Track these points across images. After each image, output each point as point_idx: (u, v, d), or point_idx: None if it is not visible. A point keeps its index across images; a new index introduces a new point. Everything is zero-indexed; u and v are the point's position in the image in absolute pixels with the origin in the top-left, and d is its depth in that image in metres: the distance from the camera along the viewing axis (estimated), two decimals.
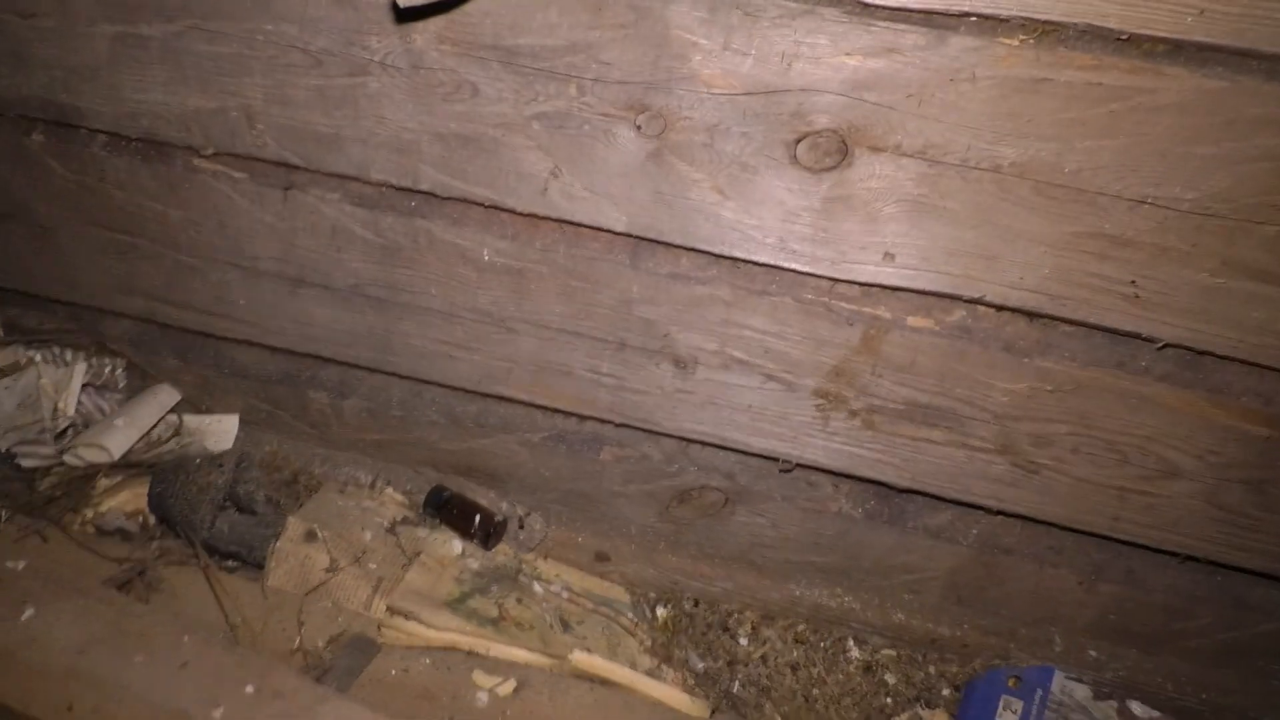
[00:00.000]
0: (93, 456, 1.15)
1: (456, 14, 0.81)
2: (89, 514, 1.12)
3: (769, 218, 0.84)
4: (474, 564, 1.15)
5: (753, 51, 0.77)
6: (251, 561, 1.11)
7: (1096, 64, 0.71)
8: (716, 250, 0.87)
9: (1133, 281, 0.79)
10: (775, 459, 1.02)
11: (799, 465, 1.01)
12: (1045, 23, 0.70)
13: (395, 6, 0.70)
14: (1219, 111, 0.71)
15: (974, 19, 0.72)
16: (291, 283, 1.03)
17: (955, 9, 0.71)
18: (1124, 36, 0.70)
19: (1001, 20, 0.71)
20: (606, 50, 0.80)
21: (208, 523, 1.09)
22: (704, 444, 1.06)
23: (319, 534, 1.10)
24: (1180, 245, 0.77)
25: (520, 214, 0.91)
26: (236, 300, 1.07)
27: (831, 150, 0.80)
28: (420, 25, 0.82)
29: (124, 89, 0.93)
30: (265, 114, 0.91)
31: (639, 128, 0.83)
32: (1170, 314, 0.80)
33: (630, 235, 0.89)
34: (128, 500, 1.14)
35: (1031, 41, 0.72)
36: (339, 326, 1.05)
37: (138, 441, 1.17)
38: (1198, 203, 0.75)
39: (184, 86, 0.91)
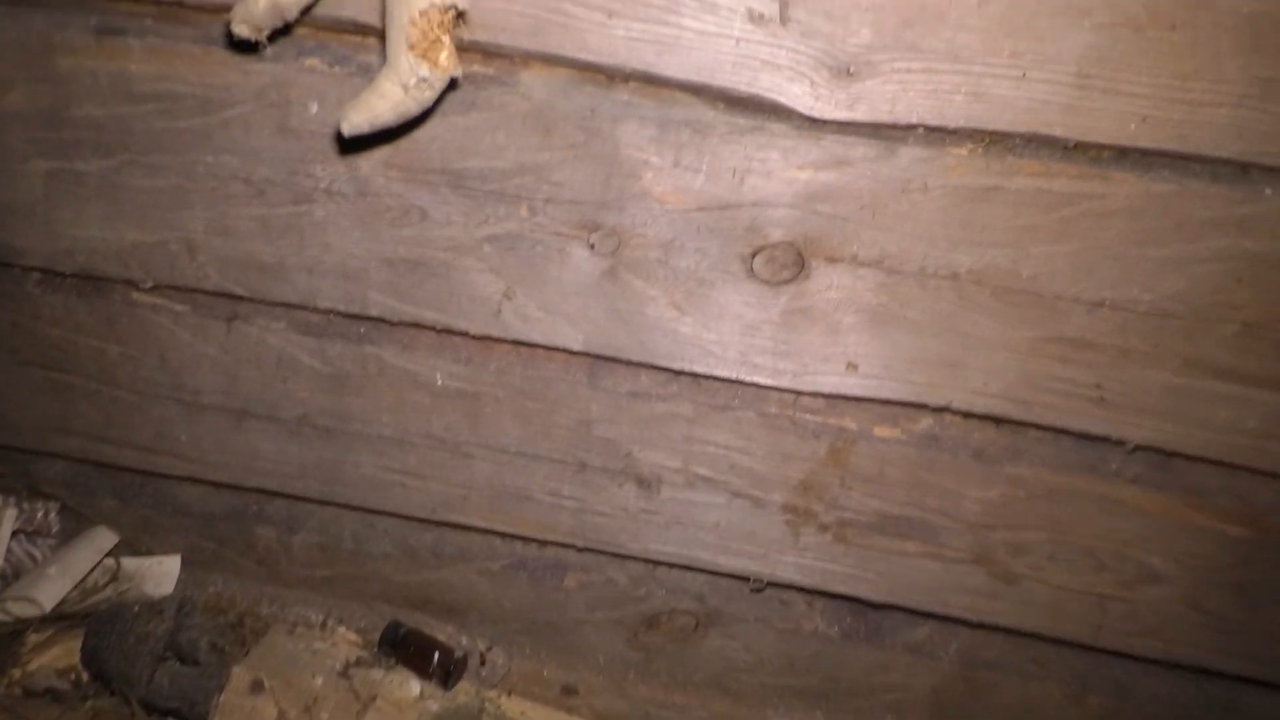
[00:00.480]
0: (21, 611, 1.07)
1: (403, 140, 0.80)
2: (16, 674, 1.04)
3: (728, 332, 0.83)
4: (434, 706, 1.09)
5: (704, 168, 0.77)
6: (194, 718, 1.03)
7: (1045, 171, 0.72)
8: (676, 367, 0.86)
9: (1097, 384, 0.79)
10: (746, 578, 0.98)
11: (771, 584, 0.98)
12: (992, 133, 0.71)
13: (339, 136, 0.69)
14: (1168, 214, 0.71)
15: (922, 130, 0.72)
16: (236, 415, 0.99)
17: (903, 121, 0.72)
18: (1070, 144, 0.70)
19: (949, 131, 0.72)
20: (557, 171, 0.79)
21: (146, 677, 1.02)
22: (671, 566, 1.02)
23: (266, 684, 1.04)
24: (1141, 346, 0.76)
25: (473, 337, 0.89)
26: (178, 436, 1.02)
27: (788, 263, 0.79)
28: (366, 152, 0.81)
29: (59, 225, 0.90)
30: (207, 245, 0.88)
31: (593, 246, 0.82)
32: (1137, 415, 0.79)
33: (588, 354, 0.87)
34: (59, 656, 1.06)
35: (980, 151, 0.72)
36: (287, 458, 1.01)
37: (72, 590, 1.10)
38: (1155, 304, 0.74)
39: (122, 221, 0.89)
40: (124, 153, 0.85)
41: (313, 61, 0.79)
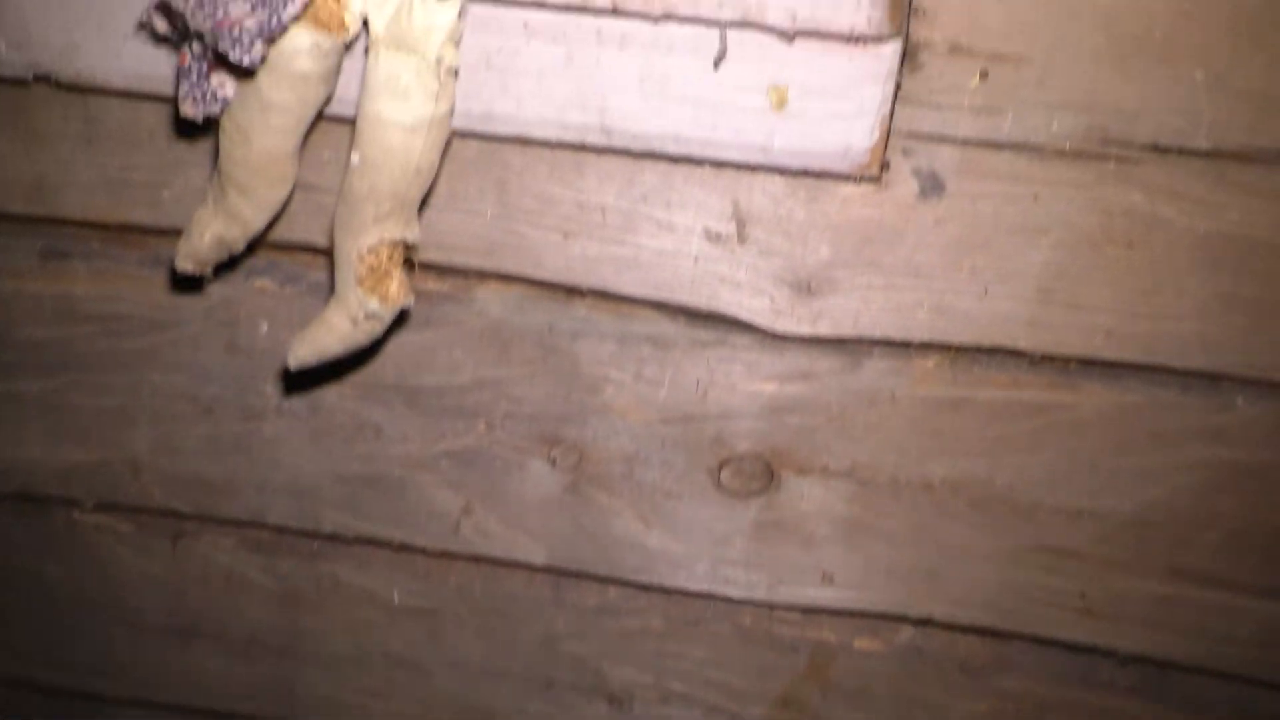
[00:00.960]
0: None
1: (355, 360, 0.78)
2: None
3: (698, 544, 0.80)
4: None
5: (666, 381, 0.75)
6: None
7: (1013, 383, 0.70)
8: (645, 580, 0.82)
9: (1082, 594, 0.76)
10: None
11: None
12: (957, 347, 0.70)
13: (286, 370, 0.67)
14: (1141, 425, 0.70)
15: (886, 344, 0.71)
16: (183, 635, 0.94)
17: (867, 336, 0.71)
18: (1036, 357, 0.69)
19: (914, 345, 0.70)
20: (515, 386, 0.77)
21: None
22: None
23: None
24: (1125, 556, 0.74)
25: (432, 553, 0.85)
26: (121, 657, 0.96)
27: (756, 474, 0.77)
28: (315, 373, 0.79)
29: None
30: (152, 464, 0.85)
31: (554, 460, 0.79)
32: (1126, 625, 0.76)
33: (552, 569, 0.84)
34: None
35: (946, 363, 0.71)
36: (236, 679, 0.95)
37: None
38: (1136, 513, 0.72)
39: (63, 441, 0.85)
40: (66, 373, 0.83)
41: (263, 282, 0.77)
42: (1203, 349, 0.67)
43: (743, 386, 0.74)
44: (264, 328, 0.78)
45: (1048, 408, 0.70)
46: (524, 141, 0.67)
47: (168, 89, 0.66)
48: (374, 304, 0.64)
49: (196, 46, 0.58)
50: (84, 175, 0.74)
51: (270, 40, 0.55)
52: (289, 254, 0.76)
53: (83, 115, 0.72)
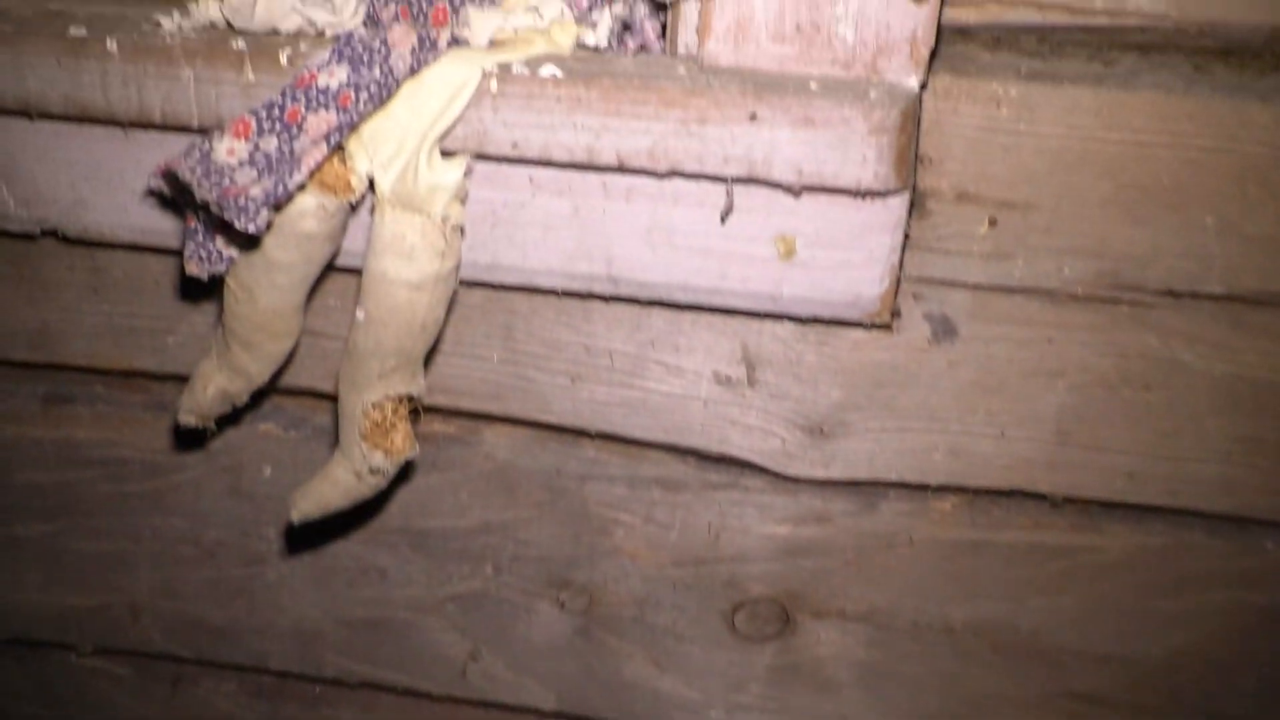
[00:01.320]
0: None
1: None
2: None
3: (712, 690, 0.77)
4: None
5: (677, 524, 0.73)
6: None
7: (1035, 525, 0.69)
8: None
9: None
10: None
11: None
12: (975, 489, 0.68)
13: (289, 524, 0.65)
14: (1168, 568, 0.68)
15: (902, 487, 0.69)
16: None
17: (882, 479, 0.69)
18: (1058, 500, 0.67)
19: (931, 488, 0.69)
20: (523, 529, 0.75)
21: None
22: None
23: None
24: (1156, 701, 0.71)
25: (438, 698, 0.82)
26: None
27: (771, 618, 0.74)
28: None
29: None
30: (151, 608, 0.83)
31: (563, 604, 0.77)
32: None
33: (561, 715, 0.81)
34: None
35: (964, 505, 0.69)
36: None
37: None
38: (1166, 658, 0.70)
39: (61, 585, 0.83)
40: (66, 517, 0.81)
41: (267, 426, 0.76)
42: (1227, 492, 0.65)
43: (756, 529, 0.72)
44: (267, 472, 0.77)
45: (1072, 550, 0.68)
46: (530, 290, 0.67)
47: (174, 242, 0.66)
48: (378, 458, 0.63)
49: (202, 211, 0.58)
50: (89, 322, 0.74)
51: (276, 208, 0.55)
52: (293, 399, 0.75)
53: (89, 265, 0.72)
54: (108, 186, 0.65)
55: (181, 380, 0.69)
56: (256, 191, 0.53)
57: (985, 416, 0.66)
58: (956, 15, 0.58)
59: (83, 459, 0.79)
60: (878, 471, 0.69)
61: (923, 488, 0.69)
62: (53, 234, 0.67)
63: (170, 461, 0.78)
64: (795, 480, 0.70)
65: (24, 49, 0.59)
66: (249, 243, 0.59)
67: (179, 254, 0.63)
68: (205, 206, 0.55)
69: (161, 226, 0.66)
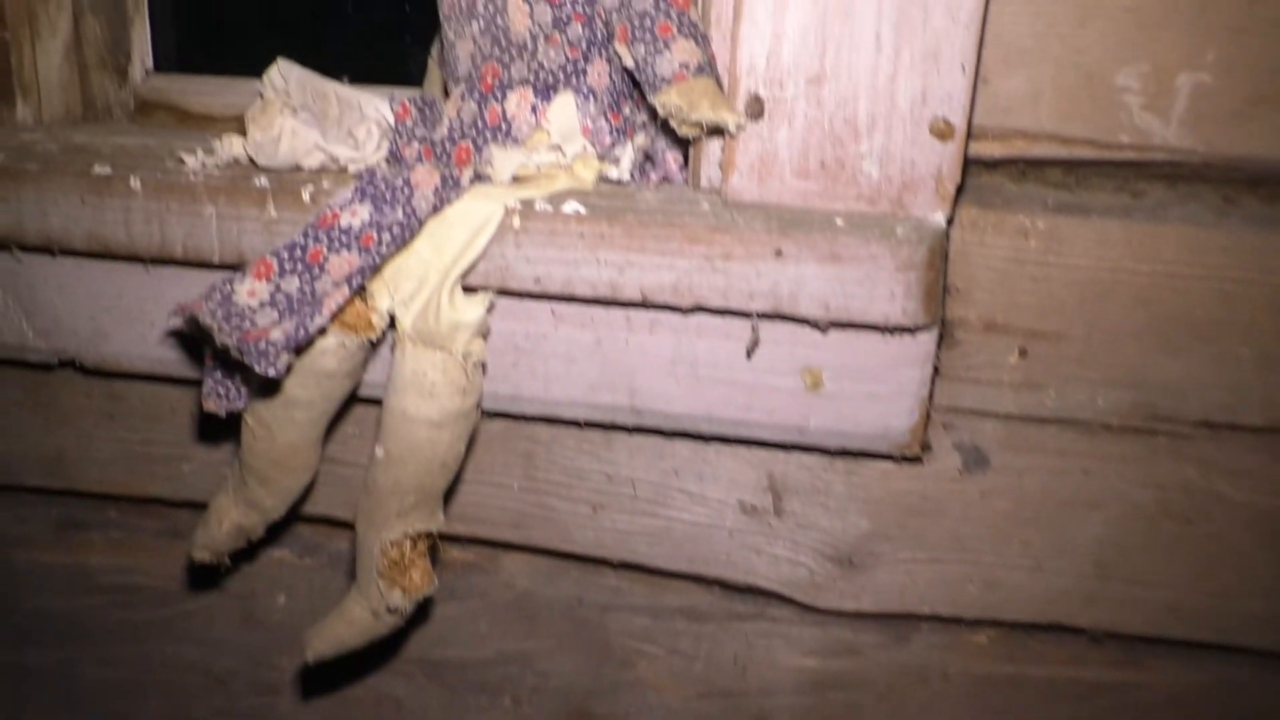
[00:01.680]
0: None
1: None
2: None
3: None
4: None
5: (702, 655, 0.71)
6: None
7: (1074, 660, 0.66)
8: None
9: None
10: None
11: None
12: (1012, 623, 0.66)
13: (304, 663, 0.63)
14: (1215, 705, 0.65)
15: (935, 620, 0.67)
16: None
17: (914, 611, 0.67)
18: (1098, 634, 0.65)
19: (966, 621, 0.67)
20: (543, 660, 0.73)
21: None
22: None
23: None
24: None
25: None
26: None
27: None
28: None
29: None
30: None
31: None
32: None
33: None
34: None
35: (1000, 640, 0.67)
36: None
37: None
38: None
39: (69, 714, 0.81)
40: (75, 644, 0.79)
41: (282, 553, 0.74)
42: (1274, 627, 0.63)
43: (784, 661, 0.70)
44: (281, 600, 0.75)
45: (1112, 687, 0.66)
46: (552, 420, 0.66)
47: (192, 372, 0.65)
48: (396, 596, 0.61)
49: (222, 351, 0.57)
50: (104, 449, 0.73)
51: (297, 351, 0.55)
52: (309, 525, 0.74)
53: (106, 393, 0.71)
54: (128, 318, 0.65)
55: (196, 507, 0.68)
56: (277, 335, 0.53)
57: (1020, 548, 0.64)
58: (981, 149, 0.58)
59: (94, 585, 0.78)
60: (909, 604, 0.67)
61: (957, 621, 0.67)
62: (71, 364, 0.67)
63: (183, 589, 0.77)
64: (824, 612, 0.68)
65: (48, 187, 0.59)
66: (268, 381, 0.58)
67: (197, 383, 0.62)
68: (225, 350, 0.54)
69: (180, 357, 0.65)
